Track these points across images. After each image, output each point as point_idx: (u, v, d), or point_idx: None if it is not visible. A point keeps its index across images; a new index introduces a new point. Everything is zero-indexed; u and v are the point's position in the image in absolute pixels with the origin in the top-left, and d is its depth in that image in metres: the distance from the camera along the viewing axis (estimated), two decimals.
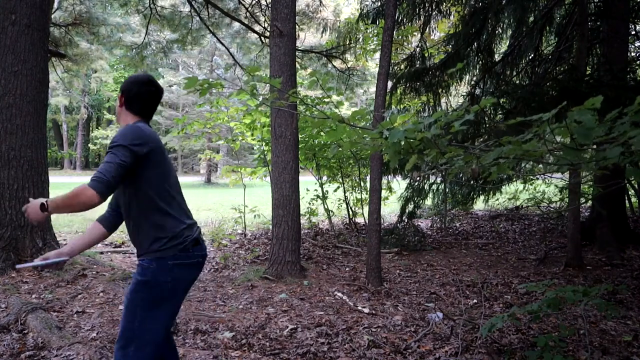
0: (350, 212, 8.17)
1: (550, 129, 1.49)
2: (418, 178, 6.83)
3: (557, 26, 7.20)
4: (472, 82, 7.31)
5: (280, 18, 4.76)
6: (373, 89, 5.74)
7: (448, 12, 7.52)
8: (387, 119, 1.98)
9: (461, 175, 6.86)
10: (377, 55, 9.25)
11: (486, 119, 5.91)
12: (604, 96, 1.44)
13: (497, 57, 7.49)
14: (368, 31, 9.20)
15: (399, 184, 7.71)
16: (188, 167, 34.84)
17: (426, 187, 7.13)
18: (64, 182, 18.64)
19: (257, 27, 9.14)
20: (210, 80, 1.91)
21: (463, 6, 7.28)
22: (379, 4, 7.38)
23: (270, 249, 5.08)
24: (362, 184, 8.16)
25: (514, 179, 8.47)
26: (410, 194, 6.97)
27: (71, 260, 4.75)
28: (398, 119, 1.93)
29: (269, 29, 6.54)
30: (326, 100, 6.69)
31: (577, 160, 1.56)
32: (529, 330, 3.23)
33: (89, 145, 36.79)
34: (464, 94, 7.41)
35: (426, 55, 7.49)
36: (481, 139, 5.84)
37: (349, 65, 9.84)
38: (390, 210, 9.37)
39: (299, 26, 8.95)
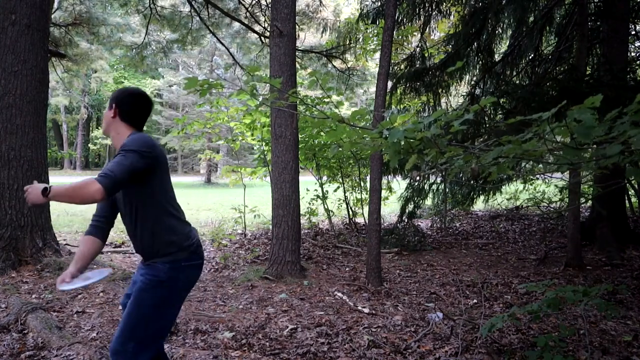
0: (350, 212, 8.17)
1: (550, 128, 1.49)
2: (418, 178, 6.83)
3: (557, 26, 7.19)
4: (472, 82, 7.31)
5: (280, 18, 4.76)
6: (373, 89, 5.74)
7: (448, 12, 7.52)
8: (387, 119, 1.98)
9: (461, 175, 6.86)
10: (377, 55, 9.25)
11: (486, 118, 5.91)
12: (604, 96, 1.44)
13: (497, 57, 7.49)
14: (368, 31, 9.20)
15: (399, 184, 7.71)
16: (188, 167, 34.85)
17: (426, 187, 7.13)
18: (64, 182, 18.62)
19: (257, 27, 9.14)
20: (210, 80, 1.91)
21: (463, 6, 7.28)
22: (379, 4, 7.38)
23: (270, 249, 5.08)
24: (362, 184, 8.16)
25: (514, 179, 8.46)
26: (410, 194, 6.97)
27: (71, 260, 4.75)
28: (398, 119, 1.93)
29: (269, 29, 6.54)
30: (326, 100, 6.69)
31: (577, 159, 1.56)
32: (529, 330, 3.23)
33: (89, 145, 36.81)
34: (464, 94, 7.41)
35: (426, 55, 7.49)
36: (481, 139, 5.84)
37: (349, 65, 9.84)
38: (390, 210, 9.37)
39: (299, 26, 8.95)
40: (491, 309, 3.79)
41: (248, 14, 8.97)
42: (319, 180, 7.88)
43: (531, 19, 6.91)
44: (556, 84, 4.88)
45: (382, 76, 4.50)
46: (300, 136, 6.19)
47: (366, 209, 7.51)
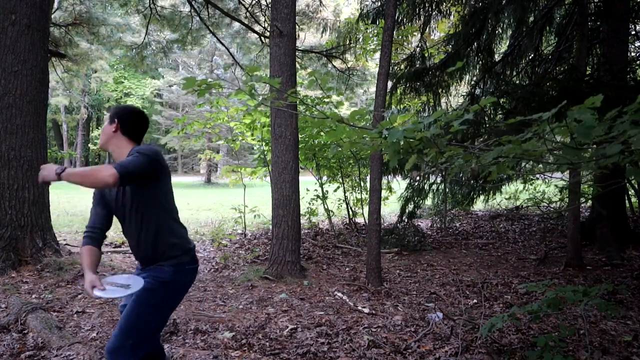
0: (350, 212, 8.17)
1: (550, 128, 1.49)
2: (418, 178, 6.82)
3: (557, 26, 7.19)
4: (472, 82, 7.31)
5: (280, 18, 4.76)
6: (373, 89, 5.74)
7: (448, 12, 7.52)
8: (387, 119, 1.97)
9: (461, 175, 6.86)
10: (377, 55, 9.25)
11: (486, 118, 5.91)
12: (604, 96, 1.44)
13: (497, 57, 7.49)
14: (368, 31, 9.20)
15: (399, 184, 7.71)
16: (188, 167, 34.85)
17: (426, 187, 7.13)
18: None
19: (257, 27, 9.14)
20: (210, 80, 1.91)
21: (463, 6, 7.28)
22: (379, 4, 7.38)
23: (270, 249, 5.07)
24: (362, 184, 8.16)
25: (514, 179, 8.46)
26: (410, 194, 6.97)
27: (71, 260, 4.76)
28: (398, 119, 1.92)
29: (269, 29, 6.54)
30: (326, 100, 6.69)
31: (577, 159, 1.55)
32: (529, 330, 3.23)
33: (89, 145, 36.76)
34: (464, 94, 7.41)
35: (426, 55, 7.49)
36: (481, 139, 5.84)
37: (349, 65, 9.84)
38: (390, 210, 9.37)
39: (299, 26, 8.95)
40: (491, 309, 3.79)
41: (248, 14, 8.97)
42: (319, 180, 7.88)
43: (531, 19, 6.91)
44: (556, 84, 4.88)
45: (382, 76, 4.50)
46: (300, 136, 6.18)
47: (366, 209, 7.51)
